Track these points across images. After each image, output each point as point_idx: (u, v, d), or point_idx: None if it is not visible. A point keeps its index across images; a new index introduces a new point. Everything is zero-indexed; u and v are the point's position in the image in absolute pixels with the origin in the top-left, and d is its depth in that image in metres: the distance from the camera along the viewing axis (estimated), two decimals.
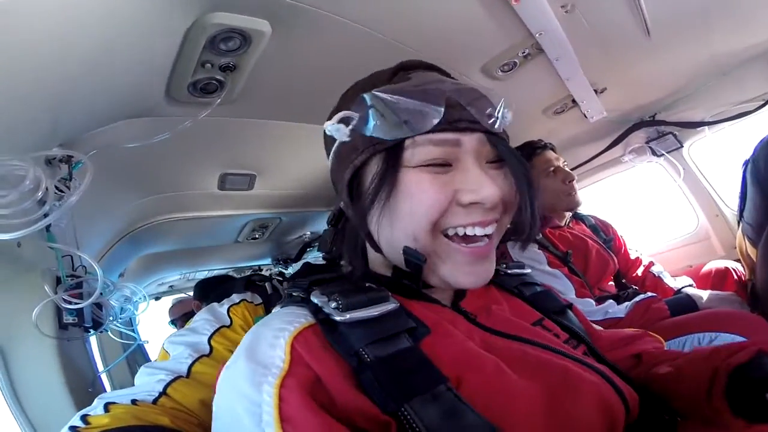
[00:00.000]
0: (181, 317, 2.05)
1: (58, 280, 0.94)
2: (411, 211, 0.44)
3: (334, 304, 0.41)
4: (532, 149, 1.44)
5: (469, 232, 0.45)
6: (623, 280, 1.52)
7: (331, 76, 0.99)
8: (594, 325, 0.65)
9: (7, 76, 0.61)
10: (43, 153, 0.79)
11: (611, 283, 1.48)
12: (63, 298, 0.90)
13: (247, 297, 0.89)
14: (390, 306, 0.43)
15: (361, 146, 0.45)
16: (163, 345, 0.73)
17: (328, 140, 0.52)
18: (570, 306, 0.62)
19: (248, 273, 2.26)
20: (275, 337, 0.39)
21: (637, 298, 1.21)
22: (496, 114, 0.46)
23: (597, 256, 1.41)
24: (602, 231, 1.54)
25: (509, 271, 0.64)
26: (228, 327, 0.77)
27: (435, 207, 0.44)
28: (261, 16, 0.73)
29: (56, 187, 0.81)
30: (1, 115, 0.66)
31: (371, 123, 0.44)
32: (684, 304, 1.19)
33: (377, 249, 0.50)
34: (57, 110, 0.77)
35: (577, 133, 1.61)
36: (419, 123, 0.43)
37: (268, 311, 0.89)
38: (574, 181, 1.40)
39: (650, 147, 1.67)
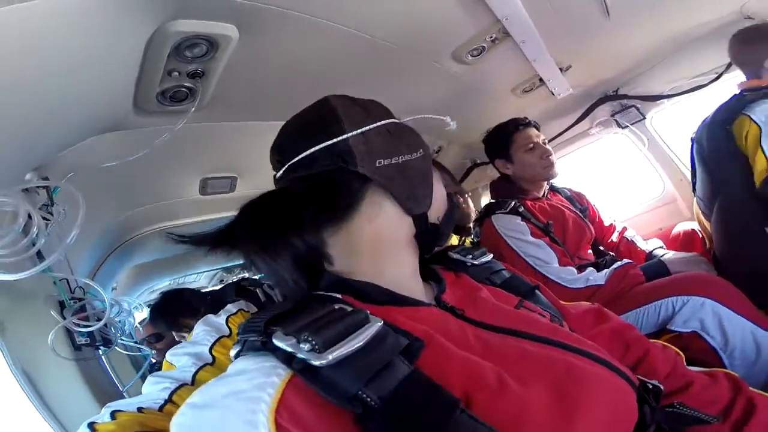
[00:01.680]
0: (148, 337, 2.01)
1: (62, 304, 0.96)
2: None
3: (307, 346, 0.33)
4: (515, 126, 1.48)
5: None
6: (600, 248, 1.59)
7: (303, 71, 1.00)
8: (561, 302, 0.64)
9: None
10: (21, 185, 0.77)
11: (590, 251, 1.56)
12: (73, 322, 0.93)
13: (243, 306, 0.90)
14: (374, 328, 0.37)
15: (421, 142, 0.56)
16: (167, 358, 0.75)
17: (357, 111, 0.53)
18: (537, 287, 0.62)
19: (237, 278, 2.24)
20: (252, 411, 0.31)
21: (615, 265, 1.27)
22: None
23: (574, 225, 1.47)
24: (577, 201, 1.60)
25: (476, 262, 0.62)
26: (228, 337, 0.78)
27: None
28: (226, 20, 0.72)
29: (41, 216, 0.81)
30: None
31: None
32: (657, 269, 1.26)
33: (428, 202, 0.53)
34: (25, 133, 0.75)
35: (545, 109, 1.66)
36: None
37: None
38: (551, 156, 1.45)
39: (615, 120, 1.74)
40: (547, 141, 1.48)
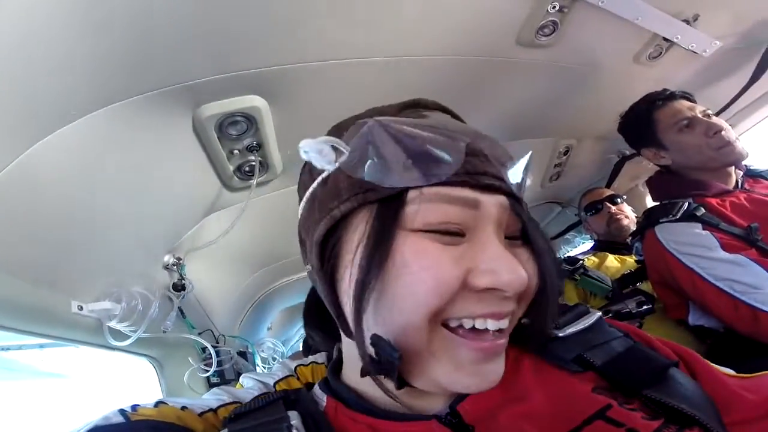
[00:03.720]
0: None
1: (204, 350, 1.23)
2: (407, 293, 0.31)
3: None
4: (651, 101, 1.11)
5: (479, 325, 0.32)
6: None
7: (359, 105, 0.98)
8: (732, 380, 0.39)
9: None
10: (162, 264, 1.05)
11: None
12: (201, 367, 1.20)
13: (317, 359, 0.92)
14: None
15: (345, 192, 0.33)
16: (240, 379, 0.81)
17: (304, 177, 0.41)
18: (676, 364, 0.39)
19: None
20: None
21: None
22: (522, 174, 0.35)
23: None
24: None
25: (562, 334, 0.41)
26: (293, 377, 0.81)
27: (440, 291, 0.31)
28: (245, 93, 0.77)
29: (174, 285, 1.10)
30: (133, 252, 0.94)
31: (367, 161, 0.32)
32: None
33: (348, 333, 0.37)
34: (160, 228, 1.00)
35: (695, 72, 1.20)
36: (432, 169, 0.31)
37: None
38: (724, 132, 0.99)
39: None
40: (711, 113, 1.04)
